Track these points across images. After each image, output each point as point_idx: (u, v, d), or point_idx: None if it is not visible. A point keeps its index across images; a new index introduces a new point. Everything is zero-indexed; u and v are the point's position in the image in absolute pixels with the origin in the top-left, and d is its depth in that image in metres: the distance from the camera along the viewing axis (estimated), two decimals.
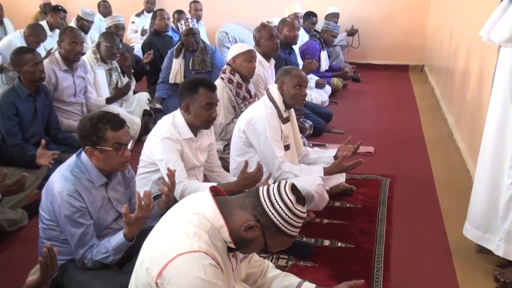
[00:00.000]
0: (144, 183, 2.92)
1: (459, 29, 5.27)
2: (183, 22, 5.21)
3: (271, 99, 3.34)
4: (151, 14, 8.17)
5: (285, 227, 1.69)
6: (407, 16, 8.32)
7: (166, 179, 2.70)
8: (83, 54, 4.65)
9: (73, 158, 2.34)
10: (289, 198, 1.69)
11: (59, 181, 2.24)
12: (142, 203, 2.18)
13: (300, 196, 1.73)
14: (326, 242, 3.04)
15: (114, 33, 5.02)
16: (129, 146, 2.39)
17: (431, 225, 3.28)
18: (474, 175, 3.67)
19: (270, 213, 1.69)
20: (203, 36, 6.97)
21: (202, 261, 1.61)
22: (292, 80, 3.29)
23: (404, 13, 8.31)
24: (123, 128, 2.31)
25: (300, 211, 1.71)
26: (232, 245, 1.73)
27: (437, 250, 3.00)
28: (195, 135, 2.95)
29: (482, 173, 2.76)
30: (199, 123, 2.90)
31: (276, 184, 1.75)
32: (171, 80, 5.24)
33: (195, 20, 5.36)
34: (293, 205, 1.69)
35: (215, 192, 1.83)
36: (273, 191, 1.72)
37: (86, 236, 2.24)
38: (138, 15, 8.35)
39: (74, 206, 2.20)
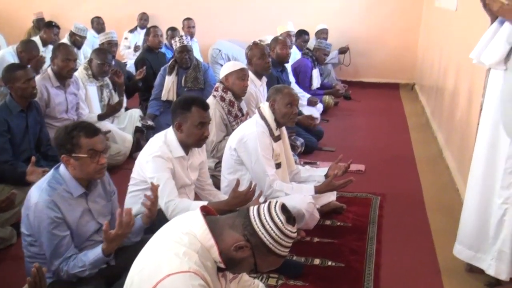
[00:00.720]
0: (135, 201, 2.91)
1: (449, 49, 5.35)
2: (177, 39, 5.24)
3: (263, 117, 3.36)
4: (144, 31, 8.19)
5: (275, 247, 1.70)
6: (398, 36, 8.42)
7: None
8: (76, 70, 4.66)
9: (51, 171, 2.36)
10: (279, 218, 1.70)
11: (36, 193, 2.26)
12: (122, 220, 2.18)
13: (290, 216, 1.74)
14: (317, 261, 3.04)
15: (106, 50, 5.03)
16: (107, 154, 2.41)
17: (421, 244, 3.29)
18: (464, 194, 3.71)
19: (260, 233, 1.70)
20: (196, 53, 7.02)
21: (191, 282, 1.61)
22: (284, 98, 3.32)
23: (395, 32, 8.41)
24: (98, 135, 2.33)
25: (290, 231, 1.72)
26: (222, 265, 1.74)
27: (427, 269, 3.00)
28: (187, 154, 2.96)
29: (472, 193, 2.78)
30: (191, 141, 2.91)
31: (267, 204, 1.76)
32: (164, 97, 5.24)
33: (189, 37, 5.39)
34: (283, 225, 1.70)
35: (206, 212, 1.83)
36: (263, 211, 1.73)
37: (61, 247, 2.24)
38: (131, 31, 8.39)
39: (49, 217, 2.20)
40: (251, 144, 3.25)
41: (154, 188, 2.46)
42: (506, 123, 2.49)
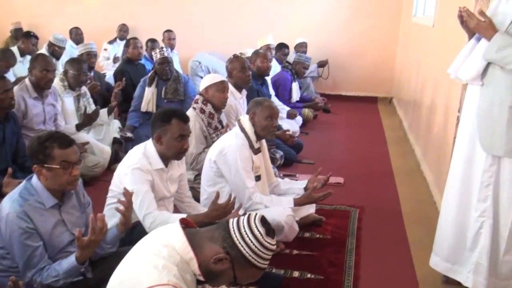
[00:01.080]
0: (113, 213, 2.86)
1: (426, 64, 5.44)
2: (157, 50, 5.23)
3: (243, 130, 3.37)
4: (123, 42, 8.18)
5: (255, 260, 1.70)
6: (376, 50, 8.55)
7: (136, 208, 2.69)
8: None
9: (23, 182, 2.34)
10: (259, 231, 1.71)
11: (7, 204, 2.23)
12: (95, 226, 2.17)
13: (269, 229, 1.74)
14: (296, 273, 3.04)
15: (81, 60, 4.96)
16: (80, 165, 2.39)
17: (399, 256, 3.32)
18: (441, 207, 3.77)
19: (239, 245, 1.70)
20: (176, 65, 7.03)
21: None
22: (264, 111, 3.34)
23: (373, 46, 8.53)
24: (71, 146, 2.31)
25: (270, 244, 1.72)
26: (201, 278, 1.73)
27: (405, 281, 3.03)
28: (166, 166, 2.94)
29: (449, 206, 2.81)
30: (171, 154, 2.90)
31: (246, 216, 1.76)
32: (143, 109, 5.22)
33: (169, 49, 5.39)
34: (262, 237, 1.70)
35: (185, 224, 1.82)
36: (243, 223, 1.73)
37: (34, 258, 2.21)
38: (110, 42, 8.36)
39: (21, 227, 2.18)
40: (231, 157, 3.25)
41: (127, 194, 2.44)
42: (483, 137, 2.53)
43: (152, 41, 7.03)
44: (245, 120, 3.39)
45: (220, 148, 3.31)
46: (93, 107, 4.94)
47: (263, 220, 1.75)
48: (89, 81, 5.12)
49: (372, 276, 3.06)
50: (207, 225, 2.70)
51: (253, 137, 3.37)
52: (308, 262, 3.18)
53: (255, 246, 1.70)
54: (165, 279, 1.62)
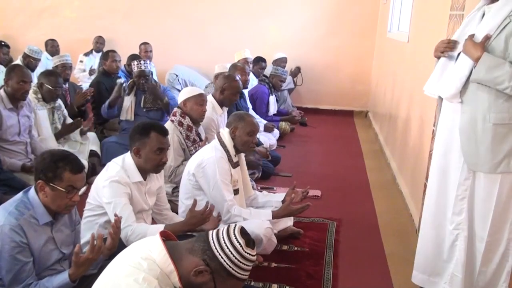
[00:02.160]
0: (90, 227, 2.85)
1: (401, 78, 5.53)
2: (135, 62, 5.22)
3: (222, 143, 3.37)
4: (100, 54, 8.16)
5: (235, 271, 1.70)
6: (352, 64, 8.66)
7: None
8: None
9: (19, 194, 2.30)
10: (238, 242, 1.71)
11: (2, 215, 2.19)
12: (95, 243, 2.14)
13: (249, 240, 1.75)
14: (274, 286, 3.03)
15: (57, 73, 4.87)
16: (81, 191, 2.37)
17: (376, 268, 3.35)
18: (416, 219, 3.82)
19: (220, 257, 1.70)
20: (154, 77, 6.98)
21: None
22: (246, 127, 3.35)
23: (349, 61, 8.65)
24: (81, 173, 2.31)
25: (250, 254, 1.73)
26: (181, 286, 1.72)
27: None
28: (145, 179, 2.93)
29: (426, 219, 2.85)
30: (149, 167, 2.89)
31: (226, 227, 1.76)
32: (122, 117, 5.23)
33: (148, 62, 5.38)
34: (242, 248, 1.71)
35: (165, 237, 1.82)
36: (222, 235, 1.73)
37: (23, 274, 2.17)
38: (86, 54, 8.30)
39: (14, 241, 2.14)
40: (209, 169, 3.25)
41: (117, 220, 2.41)
42: (467, 155, 2.54)
43: (133, 57, 6.89)
44: (225, 133, 3.39)
45: (198, 161, 3.31)
46: (69, 120, 4.90)
47: (243, 231, 1.75)
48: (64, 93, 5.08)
49: None
50: (186, 235, 2.71)
51: (232, 151, 3.37)
52: (287, 275, 3.18)
53: (235, 258, 1.70)
54: None
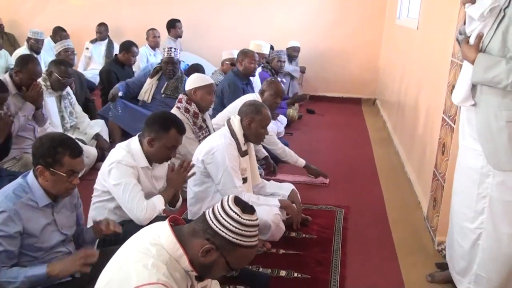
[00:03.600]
0: (99, 212, 2.86)
1: (410, 66, 5.49)
2: (166, 49, 5.37)
3: (231, 131, 3.36)
4: (105, 42, 8.21)
5: (240, 240, 1.69)
6: (361, 52, 8.59)
7: (125, 202, 2.73)
8: None
9: (18, 178, 2.30)
10: (234, 211, 1.69)
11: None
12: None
13: (245, 206, 1.73)
14: (283, 273, 3.04)
15: (67, 64, 4.83)
16: (80, 173, 2.37)
17: (384, 255, 3.35)
18: (425, 206, 3.81)
19: (220, 231, 1.69)
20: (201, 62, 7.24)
21: None
22: (263, 120, 3.38)
23: (357, 48, 8.58)
24: (80, 156, 2.30)
25: (249, 220, 1.70)
26: (194, 273, 1.73)
27: (391, 280, 3.05)
28: (151, 165, 2.93)
29: (452, 216, 2.82)
30: (157, 159, 2.90)
31: (219, 202, 1.75)
32: (140, 97, 5.40)
33: (178, 51, 5.45)
34: (239, 216, 1.69)
35: (173, 222, 1.82)
36: (217, 209, 1.72)
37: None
38: (92, 41, 8.28)
39: (5, 225, 2.11)
40: (219, 156, 3.25)
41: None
42: (488, 155, 2.47)
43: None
44: (235, 121, 3.38)
45: (208, 147, 3.31)
46: (77, 108, 4.91)
47: (237, 200, 1.73)
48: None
49: (359, 275, 3.08)
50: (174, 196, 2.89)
51: (241, 139, 3.37)
52: (295, 262, 3.19)
53: (235, 227, 1.68)
54: (155, 278, 1.61)
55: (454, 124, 3.02)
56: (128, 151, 2.84)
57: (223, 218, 1.69)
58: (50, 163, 2.21)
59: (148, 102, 5.37)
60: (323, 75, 8.60)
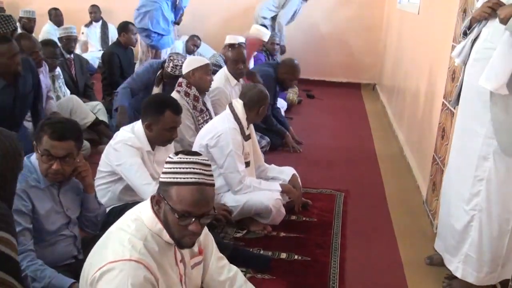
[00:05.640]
0: (103, 194, 2.88)
1: (411, 51, 5.49)
2: (171, 64, 4.65)
3: (235, 114, 3.38)
4: (99, 23, 8.26)
5: (171, 178, 1.68)
6: (360, 36, 8.56)
7: (133, 179, 2.79)
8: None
9: (25, 158, 2.28)
10: (169, 157, 1.73)
11: None
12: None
13: (182, 151, 1.75)
14: (283, 255, 3.08)
15: (53, 44, 4.85)
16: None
17: (384, 238, 3.39)
18: (424, 190, 3.85)
19: (161, 179, 1.72)
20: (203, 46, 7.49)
21: (132, 271, 1.62)
22: (267, 103, 3.48)
23: (357, 32, 8.55)
24: (62, 141, 2.22)
25: (181, 158, 1.70)
26: (171, 241, 1.76)
27: (390, 263, 3.09)
28: (153, 149, 2.96)
29: (444, 196, 2.85)
30: (159, 142, 2.93)
31: None
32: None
33: (181, 68, 4.49)
34: (171, 158, 1.71)
35: None
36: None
37: (21, 237, 2.12)
38: (87, 25, 8.26)
39: (15, 204, 2.07)
40: (223, 140, 3.28)
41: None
42: (504, 144, 2.41)
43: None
44: (238, 105, 3.40)
45: (212, 132, 3.33)
46: (64, 90, 4.97)
47: (181, 152, 1.75)
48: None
49: (358, 257, 3.12)
50: None
51: (244, 123, 3.39)
52: (295, 244, 3.22)
53: (167, 168, 1.70)
54: (128, 254, 1.64)
55: (454, 108, 3.03)
56: (134, 134, 2.87)
57: (164, 168, 1.72)
58: (36, 139, 2.24)
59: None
60: (323, 59, 8.58)
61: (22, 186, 2.19)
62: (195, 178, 1.67)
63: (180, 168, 1.67)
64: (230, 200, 3.33)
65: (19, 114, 3.66)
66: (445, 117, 3.40)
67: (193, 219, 1.68)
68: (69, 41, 5.51)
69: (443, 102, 3.49)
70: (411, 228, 3.52)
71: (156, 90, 4.91)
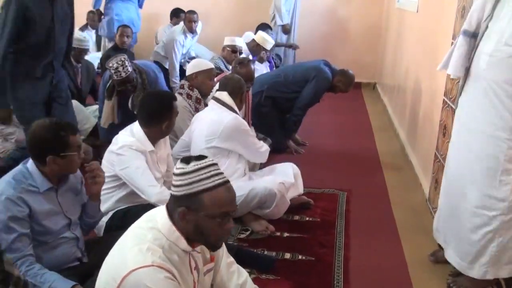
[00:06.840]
0: (106, 199, 2.85)
1: (410, 49, 5.49)
2: (113, 70, 3.97)
3: (227, 106, 3.48)
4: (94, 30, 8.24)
5: (195, 188, 1.69)
6: (360, 35, 8.58)
7: (138, 182, 2.80)
8: None
9: (19, 165, 2.33)
10: (177, 168, 1.72)
11: (0, 186, 2.22)
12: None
13: (189, 158, 1.75)
14: (287, 255, 3.09)
15: None
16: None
17: (387, 237, 3.39)
18: (427, 188, 3.85)
19: (178, 193, 1.71)
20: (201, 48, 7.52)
21: (156, 275, 1.63)
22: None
23: (356, 31, 8.57)
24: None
25: (194, 166, 1.70)
26: (198, 250, 1.79)
27: (393, 261, 3.09)
28: (154, 147, 2.97)
29: (444, 194, 2.84)
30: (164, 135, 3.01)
31: None
32: (104, 125, 4.26)
33: (128, 66, 4.03)
34: (183, 169, 1.70)
35: None
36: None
37: (18, 243, 2.16)
38: (82, 29, 8.21)
39: (10, 210, 2.15)
40: (235, 128, 3.39)
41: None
42: None
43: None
44: (225, 96, 3.50)
45: (220, 125, 3.37)
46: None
47: (181, 159, 1.75)
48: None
49: (362, 256, 3.13)
50: None
51: (238, 111, 3.53)
52: (299, 244, 3.23)
53: (184, 180, 1.69)
54: (150, 260, 1.65)
55: (455, 106, 3.04)
56: (134, 137, 2.87)
57: (175, 181, 1.72)
58: (59, 149, 2.24)
59: (116, 123, 4.16)
60: (322, 58, 8.57)
61: (17, 192, 2.19)
62: (220, 179, 1.72)
63: (202, 174, 1.69)
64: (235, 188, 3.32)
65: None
66: (446, 115, 3.41)
67: (229, 218, 1.75)
68: (80, 52, 5.37)
69: (443, 99, 3.49)
70: (414, 226, 3.52)
71: (107, 103, 4.23)
